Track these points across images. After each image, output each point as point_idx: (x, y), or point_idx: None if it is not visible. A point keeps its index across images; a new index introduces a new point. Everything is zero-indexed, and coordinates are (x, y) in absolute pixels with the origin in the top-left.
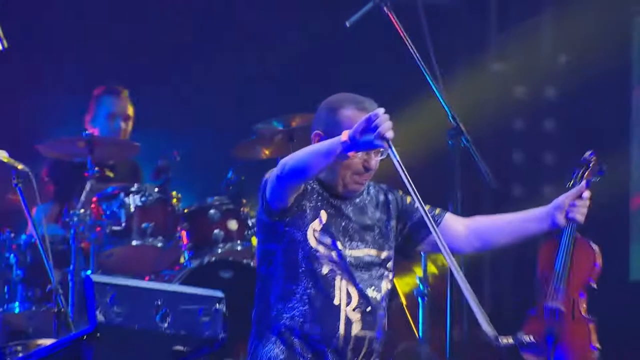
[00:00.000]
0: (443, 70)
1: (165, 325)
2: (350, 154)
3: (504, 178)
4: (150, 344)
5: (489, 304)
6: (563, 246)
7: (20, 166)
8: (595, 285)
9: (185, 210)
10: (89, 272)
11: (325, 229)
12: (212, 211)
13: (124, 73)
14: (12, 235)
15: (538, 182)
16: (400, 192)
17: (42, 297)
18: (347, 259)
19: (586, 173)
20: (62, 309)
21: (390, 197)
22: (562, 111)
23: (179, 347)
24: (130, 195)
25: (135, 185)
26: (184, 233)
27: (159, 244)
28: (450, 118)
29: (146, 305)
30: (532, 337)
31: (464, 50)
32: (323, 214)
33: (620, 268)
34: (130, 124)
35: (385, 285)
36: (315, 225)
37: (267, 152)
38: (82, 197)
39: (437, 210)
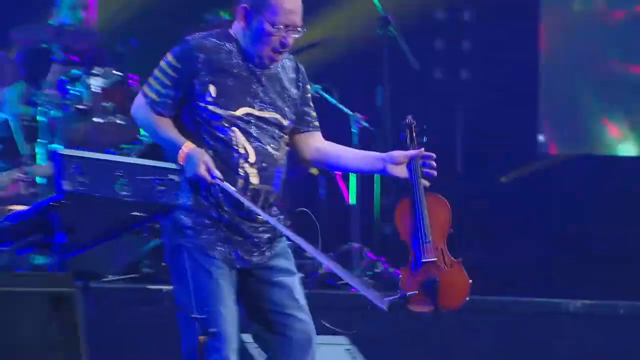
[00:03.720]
0: None
1: (124, 193)
2: (270, 30)
3: (425, 63)
4: (111, 210)
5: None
6: (418, 207)
7: None
8: (452, 231)
9: None
10: (55, 145)
11: (223, 95)
12: None
13: None
14: None
15: (456, 67)
16: (308, 86)
17: (15, 168)
18: (253, 119)
19: (414, 135)
20: (32, 179)
21: (300, 78)
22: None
23: (137, 213)
24: (93, 78)
25: (97, 69)
26: None
27: (119, 121)
28: (379, 9)
29: (107, 175)
30: (413, 292)
31: None
32: (213, 86)
33: None
34: (91, 12)
35: (283, 146)
36: (208, 95)
37: None
38: (49, 79)
39: (315, 123)
